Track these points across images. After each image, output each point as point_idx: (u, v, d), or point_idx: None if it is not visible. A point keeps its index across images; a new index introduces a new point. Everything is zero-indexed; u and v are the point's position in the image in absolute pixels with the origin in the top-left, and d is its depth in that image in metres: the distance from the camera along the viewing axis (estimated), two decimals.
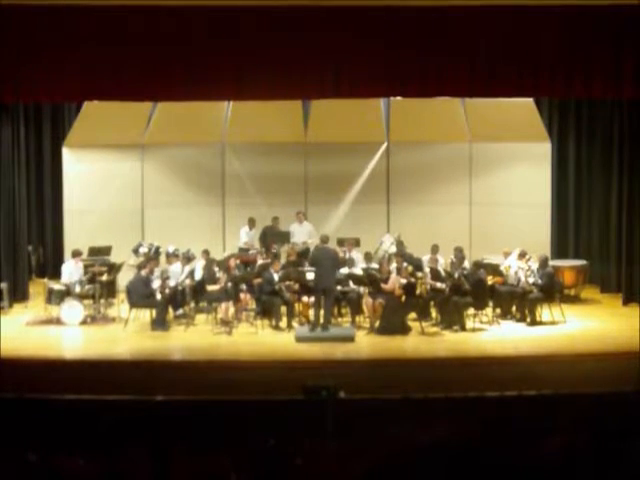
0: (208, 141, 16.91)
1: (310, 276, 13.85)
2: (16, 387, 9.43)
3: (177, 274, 14.41)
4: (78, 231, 16.27)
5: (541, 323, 13.86)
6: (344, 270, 14.21)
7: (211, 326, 13.68)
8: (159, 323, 13.68)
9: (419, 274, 14.48)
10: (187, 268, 14.48)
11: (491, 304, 14.07)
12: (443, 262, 14.46)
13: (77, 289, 14.23)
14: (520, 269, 14.13)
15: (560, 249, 17.05)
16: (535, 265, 14.11)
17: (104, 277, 14.49)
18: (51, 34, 11.62)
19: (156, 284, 13.98)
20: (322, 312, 13.30)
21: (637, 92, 11.99)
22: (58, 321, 13.94)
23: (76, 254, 14.62)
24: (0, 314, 14.17)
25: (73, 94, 12.70)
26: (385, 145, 16.91)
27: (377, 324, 13.46)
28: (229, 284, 13.83)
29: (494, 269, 14.44)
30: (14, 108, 15.70)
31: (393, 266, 14.10)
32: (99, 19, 11.57)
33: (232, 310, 13.78)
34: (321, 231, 15.41)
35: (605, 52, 11.76)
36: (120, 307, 14.50)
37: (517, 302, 14.13)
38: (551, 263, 15.10)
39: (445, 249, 14.66)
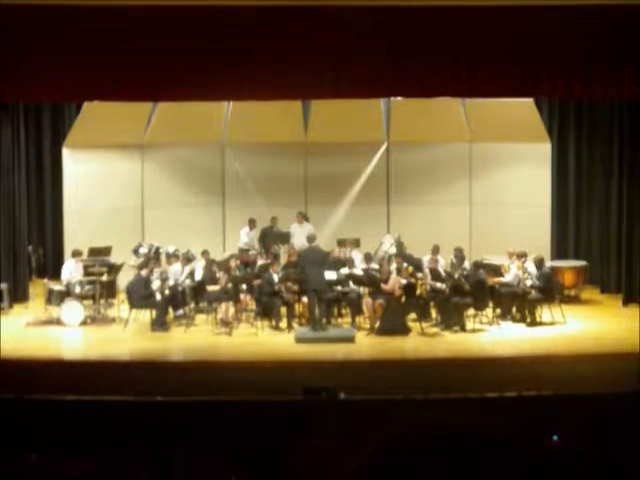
0: (208, 141, 16.90)
1: None
2: (16, 387, 9.42)
3: (177, 275, 14.40)
4: (78, 231, 16.25)
5: (541, 324, 13.85)
6: (344, 270, 14.21)
7: (211, 327, 13.67)
8: (159, 324, 13.67)
9: (419, 275, 14.47)
10: (187, 268, 14.47)
11: (491, 305, 14.06)
12: (443, 262, 14.44)
13: (77, 289, 14.22)
14: (519, 270, 14.13)
15: (560, 249, 17.03)
16: (532, 267, 14.09)
17: (104, 277, 14.48)
18: (51, 34, 11.60)
19: (156, 285, 13.97)
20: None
21: (637, 92, 11.99)
22: (58, 322, 13.93)
23: (76, 254, 14.62)
24: (0, 315, 14.16)
25: (73, 94, 12.69)
26: (385, 145, 16.90)
27: (377, 325, 13.45)
28: (229, 285, 13.83)
29: (494, 270, 14.43)
30: (14, 108, 15.68)
31: (393, 267, 14.10)
32: (99, 19, 11.55)
33: (232, 311, 13.77)
34: (321, 232, 15.42)
35: (605, 52, 11.74)
36: (120, 308, 14.49)
37: (517, 303, 14.12)
38: (551, 263, 15.10)
39: (445, 249, 14.65)
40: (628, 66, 11.78)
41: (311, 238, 13.98)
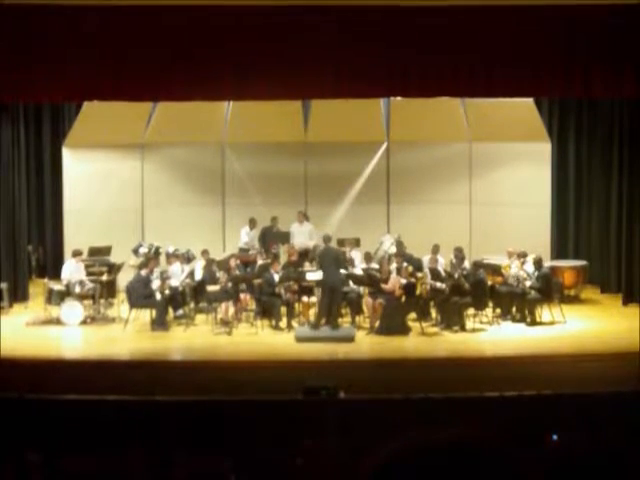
0: (208, 141, 16.91)
1: (310, 277, 13.88)
2: (16, 387, 9.42)
3: (177, 274, 14.40)
4: (78, 231, 16.27)
5: (541, 323, 13.86)
6: (344, 270, 14.21)
7: (211, 326, 13.67)
8: (159, 323, 13.68)
9: (419, 274, 14.47)
10: (187, 268, 14.48)
11: (491, 304, 14.06)
12: (443, 262, 14.45)
13: (77, 289, 14.23)
14: (519, 270, 14.13)
15: (560, 249, 17.04)
16: (531, 267, 14.09)
17: (104, 277, 14.49)
18: (51, 34, 11.60)
19: (156, 284, 13.98)
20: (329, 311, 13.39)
21: (637, 92, 11.99)
22: (58, 321, 13.93)
23: (76, 254, 14.62)
24: (0, 314, 14.16)
25: (73, 94, 12.69)
26: (385, 145, 16.91)
27: (377, 324, 13.45)
28: (229, 284, 13.83)
29: (494, 269, 14.44)
30: (14, 108, 15.70)
31: (393, 266, 14.10)
32: (99, 19, 11.56)
33: (232, 310, 13.78)
34: (321, 231, 15.41)
35: (605, 52, 11.75)
36: (120, 307, 14.49)
37: (517, 302, 14.12)
38: (551, 263, 15.09)
39: (445, 249, 14.65)
40: (628, 66, 11.78)
41: (327, 238, 14.06)
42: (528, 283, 13.93)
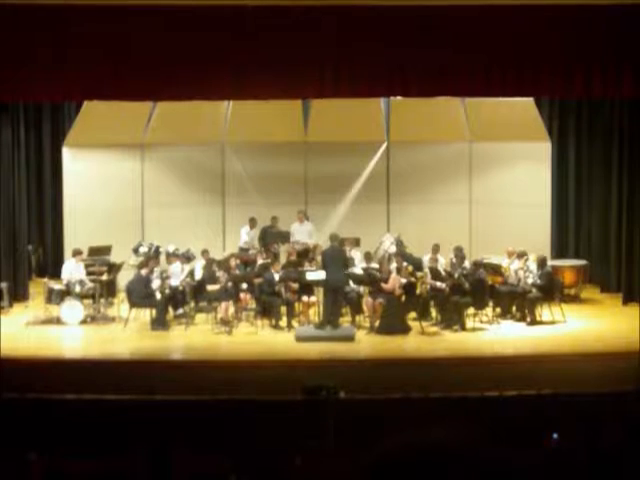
0: (208, 141, 16.90)
1: (310, 276, 13.87)
2: (16, 387, 9.43)
3: (177, 274, 14.40)
4: (78, 231, 16.25)
5: (541, 323, 13.86)
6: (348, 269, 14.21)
7: (211, 326, 13.68)
8: (159, 323, 13.68)
9: (419, 274, 14.47)
10: (187, 268, 14.48)
11: (491, 304, 14.07)
12: (443, 262, 14.45)
13: (77, 289, 14.23)
14: (520, 269, 14.15)
15: (560, 249, 17.04)
16: (533, 266, 14.11)
17: (104, 277, 14.49)
18: (51, 34, 11.60)
19: (156, 284, 13.98)
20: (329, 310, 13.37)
21: (637, 91, 11.99)
22: (58, 321, 13.94)
23: (76, 254, 14.62)
24: (0, 314, 14.16)
25: (73, 94, 12.70)
26: (385, 145, 16.90)
27: (377, 324, 13.46)
28: (229, 284, 13.83)
29: (494, 269, 14.44)
30: (14, 108, 15.70)
31: (393, 266, 14.10)
32: (99, 19, 11.56)
33: (232, 310, 13.78)
34: (321, 231, 15.40)
35: (605, 52, 11.75)
36: (120, 307, 14.50)
37: (517, 302, 14.13)
38: (551, 263, 15.09)
39: (445, 249, 14.65)
40: (628, 66, 11.79)
41: (334, 237, 13.99)
42: (530, 281, 13.94)
